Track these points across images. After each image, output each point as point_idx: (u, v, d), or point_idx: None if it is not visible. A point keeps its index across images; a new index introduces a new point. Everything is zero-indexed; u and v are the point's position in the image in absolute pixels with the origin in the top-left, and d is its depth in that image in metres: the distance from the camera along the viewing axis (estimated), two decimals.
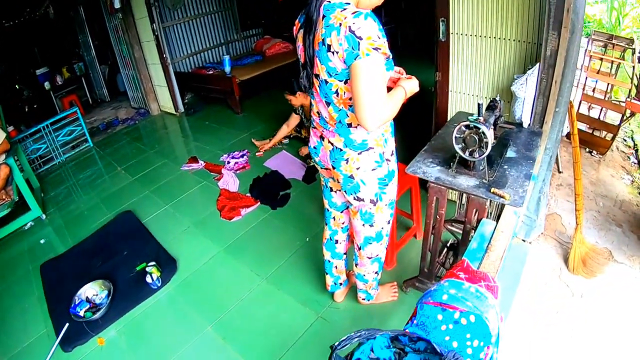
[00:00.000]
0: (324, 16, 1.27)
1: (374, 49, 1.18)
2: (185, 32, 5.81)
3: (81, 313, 2.30)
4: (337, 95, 1.35)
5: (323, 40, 1.26)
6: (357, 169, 1.44)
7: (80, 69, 6.47)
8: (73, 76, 6.38)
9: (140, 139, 4.88)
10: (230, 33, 6.47)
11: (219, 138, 4.41)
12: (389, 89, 1.39)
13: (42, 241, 3.15)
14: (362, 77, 1.20)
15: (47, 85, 5.86)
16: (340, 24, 1.21)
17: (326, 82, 1.34)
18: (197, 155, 3.98)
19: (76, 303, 2.36)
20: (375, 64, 1.20)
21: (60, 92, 6.07)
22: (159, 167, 3.98)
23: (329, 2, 1.28)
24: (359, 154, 1.42)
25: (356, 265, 1.85)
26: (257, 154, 3.86)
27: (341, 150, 1.44)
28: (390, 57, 1.28)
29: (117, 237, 2.95)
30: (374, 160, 1.44)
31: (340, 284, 2.03)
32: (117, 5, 4.80)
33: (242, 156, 3.80)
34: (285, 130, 3.82)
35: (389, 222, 1.66)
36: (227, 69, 5.00)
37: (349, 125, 1.39)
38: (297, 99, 3.47)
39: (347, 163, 1.44)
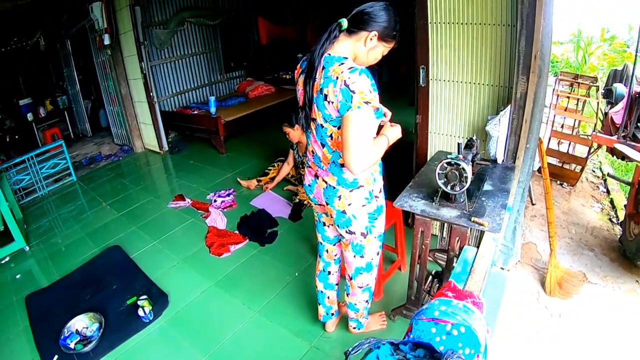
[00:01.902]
0: (323, 67, 1.45)
1: (364, 102, 1.35)
2: (170, 71, 6.02)
3: (71, 345, 2.31)
4: (332, 139, 1.53)
5: (321, 89, 1.44)
6: (349, 205, 1.61)
7: (63, 103, 6.52)
8: (56, 109, 6.42)
9: (125, 176, 4.94)
10: (214, 74, 6.74)
11: (204, 177, 4.53)
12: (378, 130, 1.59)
13: (17, 276, 3.10)
14: (352, 126, 1.38)
15: (29, 116, 5.87)
16: (337, 78, 1.38)
17: (322, 126, 1.52)
18: (183, 193, 4.07)
19: (66, 335, 2.37)
20: (365, 116, 1.38)
21: (42, 125, 6.08)
22: (145, 204, 4.04)
23: (329, 54, 1.47)
24: (350, 191, 1.60)
25: (347, 295, 2.00)
26: (265, 187, 3.97)
27: (334, 188, 1.61)
28: (380, 108, 1.44)
29: (105, 270, 2.98)
30: (364, 197, 1.61)
31: (332, 314, 2.17)
32: (106, 41, 4.96)
33: (228, 195, 3.94)
34: (286, 168, 3.94)
35: (378, 254, 1.83)
36: (213, 109, 5.22)
37: (342, 165, 1.56)
38: (296, 133, 3.59)
39: (339, 200, 1.61)
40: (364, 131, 1.41)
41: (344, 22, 1.46)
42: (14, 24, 5.80)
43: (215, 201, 3.85)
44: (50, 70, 6.72)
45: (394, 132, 1.61)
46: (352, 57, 1.49)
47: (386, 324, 2.21)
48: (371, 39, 1.46)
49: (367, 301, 1.99)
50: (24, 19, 5.72)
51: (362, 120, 1.38)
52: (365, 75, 1.38)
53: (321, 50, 1.46)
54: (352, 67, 1.39)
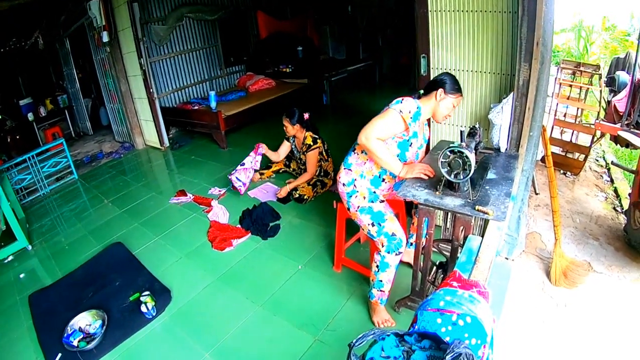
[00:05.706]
0: None
1: (399, 110, 1.84)
2: (170, 67, 6.01)
3: (75, 343, 2.30)
4: None
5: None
6: None
7: (64, 102, 6.52)
8: (56, 108, 6.42)
9: (126, 173, 4.94)
10: (214, 69, 6.72)
11: (206, 172, 4.52)
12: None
13: (21, 276, 3.10)
14: (381, 114, 1.88)
15: (30, 116, 5.88)
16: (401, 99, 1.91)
17: None
18: (184, 188, 4.06)
19: (69, 333, 2.36)
20: (392, 116, 1.85)
21: (43, 124, 6.09)
22: (146, 200, 4.04)
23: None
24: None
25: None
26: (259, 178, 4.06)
27: None
28: (405, 138, 1.92)
29: (108, 267, 2.98)
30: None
31: (411, 244, 2.43)
32: (105, 39, 4.94)
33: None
34: (275, 157, 3.95)
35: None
36: (213, 104, 5.20)
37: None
38: (293, 129, 3.64)
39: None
40: (383, 121, 1.86)
41: (421, 92, 2.01)
42: (12, 24, 5.78)
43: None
44: (49, 69, 6.70)
45: (410, 168, 1.88)
46: (430, 112, 1.96)
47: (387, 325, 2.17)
48: (440, 94, 1.90)
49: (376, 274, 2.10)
50: (22, 19, 5.70)
51: (388, 116, 1.86)
52: (416, 106, 1.88)
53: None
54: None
